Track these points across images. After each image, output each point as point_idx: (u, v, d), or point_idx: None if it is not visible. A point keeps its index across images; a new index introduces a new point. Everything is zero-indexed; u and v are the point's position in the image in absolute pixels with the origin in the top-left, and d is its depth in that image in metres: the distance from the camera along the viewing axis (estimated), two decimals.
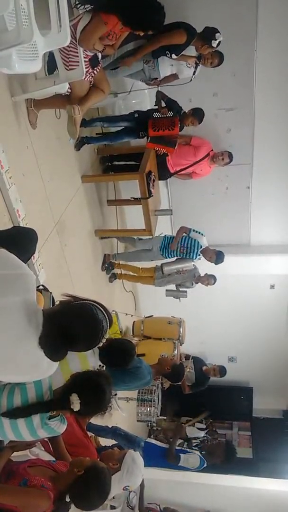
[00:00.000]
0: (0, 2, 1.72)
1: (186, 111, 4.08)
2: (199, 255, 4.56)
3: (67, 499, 1.62)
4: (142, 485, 4.36)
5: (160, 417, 6.14)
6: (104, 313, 1.44)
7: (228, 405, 7.65)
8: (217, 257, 4.54)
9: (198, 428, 7.25)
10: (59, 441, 1.87)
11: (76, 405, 1.42)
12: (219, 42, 3.35)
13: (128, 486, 2.31)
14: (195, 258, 4.53)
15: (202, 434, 7.11)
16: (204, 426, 7.35)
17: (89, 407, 1.48)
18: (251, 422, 7.80)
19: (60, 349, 1.42)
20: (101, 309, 1.44)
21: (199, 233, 4.60)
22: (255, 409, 7.72)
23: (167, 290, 4.81)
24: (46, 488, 1.58)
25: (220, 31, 3.41)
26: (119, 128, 4.21)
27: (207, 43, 3.34)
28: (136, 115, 4.03)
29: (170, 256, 4.70)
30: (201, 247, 4.58)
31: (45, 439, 1.94)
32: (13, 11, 1.83)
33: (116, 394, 2.72)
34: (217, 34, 3.30)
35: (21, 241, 1.60)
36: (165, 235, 4.81)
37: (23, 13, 1.89)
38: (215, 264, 4.60)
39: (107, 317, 1.44)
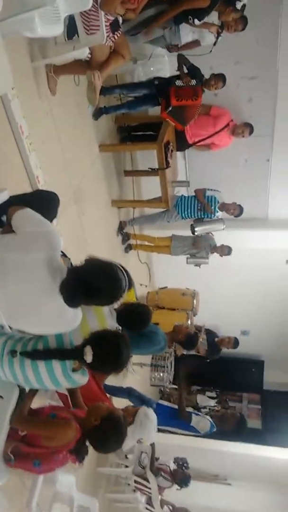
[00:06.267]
0: None
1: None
2: (217, 211, 4.57)
3: (86, 443, 1.75)
4: (153, 447, 4.56)
5: (172, 386, 6.31)
6: (125, 274, 1.50)
7: (239, 377, 7.76)
8: (240, 209, 4.59)
9: (209, 397, 7.44)
10: (77, 395, 1.98)
11: (88, 356, 1.50)
12: (244, 4, 3.23)
13: (141, 439, 2.44)
14: (214, 216, 4.55)
15: (212, 403, 7.29)
16: (215, 395, 7.53)
17: (101, 362, 1.55)
18: (261, 394, 7.93)
19: (78, 296, 1.48)
20: (122, 269, 1.51)
21: (215, 190, 4.61)
22: (266, 382, 7.84)
23: (188, 258, 4.85)
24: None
25: None
26: (138, 96, 4.17)
27: (232, 6, 3.22)
28: (156, 82, 3.96)
29: (185, 214, 4.74)
30: (218, 202, 4.61)
31: (64, 393, 2.06)
32: None
33: (131, 356, 2.82)
34: None
35: (44, 203, 1.65)
36: (182, 195, 4.85)
37: None
38: (236, 217, 4.67)
39: (126, 278, 1.50)
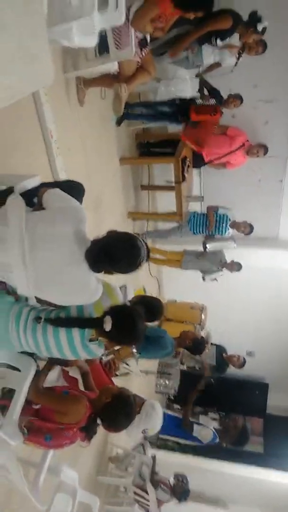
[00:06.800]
0: None
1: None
2: (229, 229, 4.67)
3: (98, 422, 1.83)
4: (154, 458, 4.53)
5: (176, 407, 6.29)
6: (144, 245, 1.63)
7: (242, 399, 7.66)
8: (250, 228, 4.70)
9: (212, 418, 7.36)
10: (89, 379, 2.08)
11: (108, 324, 1.61)
12: (265, 27, 3.41)
13: (147, 429, 2.50)
14: (225, 233, 4.65)
15: (215, 424, 7.21)
16: (218, 417, 7.44)
17: (118, 332, 1.65)
18: (264, 418, 7.81)
19: (101, 262, 1.61)
20: (142, 240, 1.63)
21: (227, 208, 4.74)
22: (270, 405, 7.73)
23: (203, 276, 4.94)
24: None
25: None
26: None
27: (252, 28, 3.41)
28: (177, 101, 4.16)
29: (197, 230, 4.85)
30: (229, 220, 4.71)
31: (75, 377, 2.14)
32: None
33: (140, 353, 2.90)
34: (262, 19, 3.38)
35: (72, 191, 1.78)
36: (195, 211, 4.99)
37: None
38: (246, 235, 4.77)
39: (145, 248, 1.62)
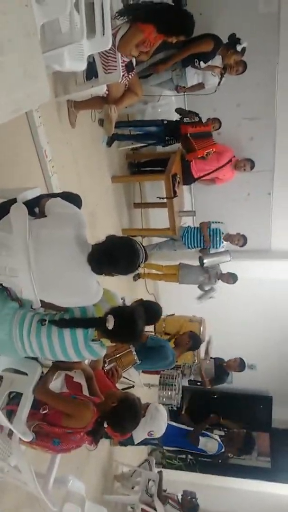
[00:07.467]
0: (59, 5, 2.06)
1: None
2: (223, 242, 4.79)
3: (105, 425, 1.88)
4: (160, 475, 4.49)
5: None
6: (142, 247, 1.73)
7: (246, 414, 7.60)
8: (244, 239, 4.84)
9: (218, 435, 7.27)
10: (94, 384, 2.13)
11: (110, 323, 1.69)
12: (244, 47, 3.65)
13: (152, 431, 2.55)
14: (219, 246, 4.77)
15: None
16: (223, 433, 7.35)
17: (120, 329, 1.73)
18: (270, 433, 7.74)
19: (103, 264, 1.72)
20: (139, 243, 1.74)
21: (219, 222, 4.87)
22: (275, 419, 7.67)
23: (198, 298, 5.03)
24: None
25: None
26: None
27: (233, 48, 3.64)
28: (165, 122, 4.36)
29: (191, 245, 4.98)
30: (222, 233, 4.84)
31: (78, 381, 2.19)
32: (68, 15, 2.18)
33: (141, 361, 2.96)
34: (241, 40, 3.62)
35: (70, 200, 1.89)
36: (188, 225, 5.12)
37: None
38: (241, 247, 4.89)
39: (143, 250, 1.73)
